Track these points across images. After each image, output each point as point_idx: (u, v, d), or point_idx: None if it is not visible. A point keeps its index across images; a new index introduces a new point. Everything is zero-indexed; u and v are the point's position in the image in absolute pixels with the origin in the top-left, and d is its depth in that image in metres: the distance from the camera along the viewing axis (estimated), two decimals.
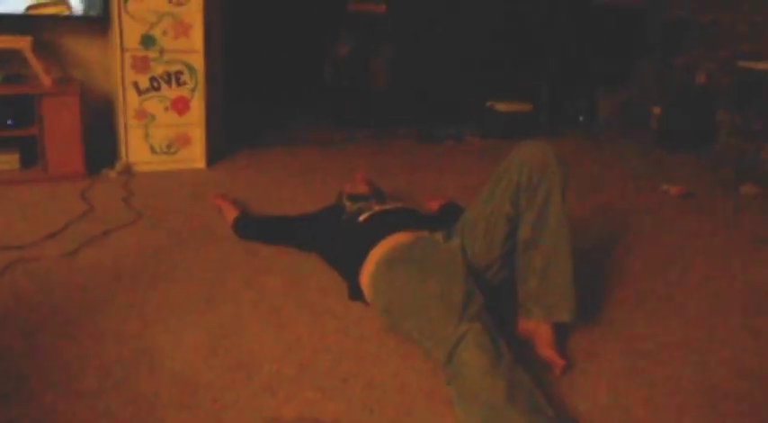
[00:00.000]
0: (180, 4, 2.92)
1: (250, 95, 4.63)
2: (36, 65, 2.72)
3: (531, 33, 4.61)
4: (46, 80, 2.74)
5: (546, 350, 1.64)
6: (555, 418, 1.32)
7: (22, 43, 2.68)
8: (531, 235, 1.69)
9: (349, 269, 1.91)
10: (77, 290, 1.85)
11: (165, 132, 3.06)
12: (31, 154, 2.83)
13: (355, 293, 1.88)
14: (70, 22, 2.89)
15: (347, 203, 2.18)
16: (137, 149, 3.02)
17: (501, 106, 4.39)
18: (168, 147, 3.08)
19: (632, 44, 4.93)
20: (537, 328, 1.69)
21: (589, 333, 1.82)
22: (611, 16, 4.80)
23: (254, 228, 2.32)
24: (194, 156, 3.15)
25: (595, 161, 3.98)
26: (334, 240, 2.07)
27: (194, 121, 3.10)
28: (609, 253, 2.46)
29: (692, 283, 2.24)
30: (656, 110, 4.67)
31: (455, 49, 4.43)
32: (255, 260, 2.15)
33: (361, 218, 2.02)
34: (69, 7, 2.81)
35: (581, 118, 4.93)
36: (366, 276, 1.80)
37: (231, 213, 2.39)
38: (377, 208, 2.07)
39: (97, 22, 2.94)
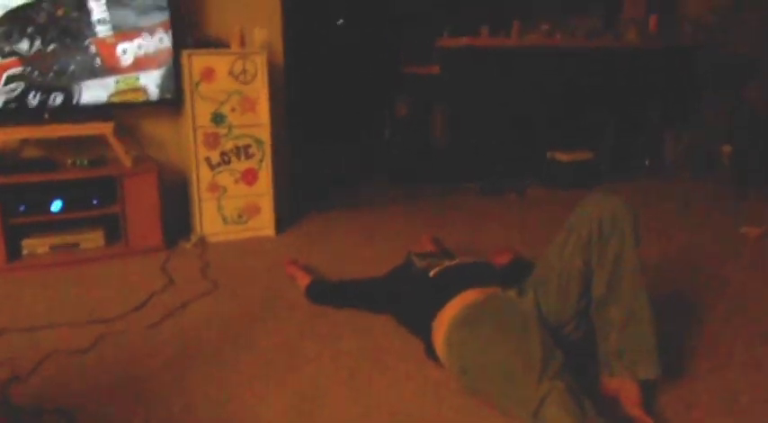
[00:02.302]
0: (246, 82, 3.10)
1: (314, 161, 4.78)
2: (118, 148, 2.91)
3: (588, 81, 4.61)
4: (127, 161, 2.92)
5: (633, 410, 1.58)
6: None
7: (106, 129, 2.89)
8: (606, 289, 1.66)
9: (422, 326, 1.90)
10: (163, 361, 1.92)
11: (235, 203, 3.19)
12: (114, 230, 3.00)
13: (431, 351, 1.87)
14: (146, 105, 3.09)
15: (416, 260, 2.20)
16: (210, 221, 3.15)
17: (562, 156, 4.37)
18: (239, 217, 3.20)
19: (694, 83, 4.86)
20: (622, 386, 1.63)
21: (678, 388, 1.74)
22: (668, 57, 4.77)
23: (326, 293, 2.36)
24: (264, 224, 3.26)
25: (666, 206, 3.88)
26: (406, 298, 2.08)
27: (263, 191, 3.22)
28: (690, 301, 2.37)
29: None
30: (727, 148, 4.54)
31: (512, 102, 4.47)
32: (329, 324, 2.18)
33: (432, 273, 2.03)
34: (146, 92, 3.01)
35: (647, 162, 4.83)
36: (439, 337, 1.80)
37: (303, 280, 2.45)
38: (447, 263, 2.08)
39: (171, 104, 3.14)
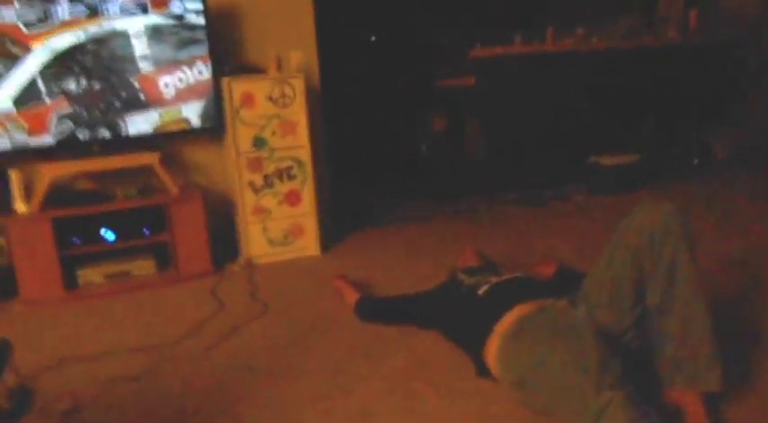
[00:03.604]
0: (285, 106, 3.15)
1: (354, 180, 4.81)
2: (165, 177, 2.99)
3: (630, 83, 4.52)
4: (174, 189, 3.00)
5: (698, 422, 1.53)
6: None
7: (153, 159, 2.97)
8: (661, 299, 1.61)
9: (474, 344, 1.89)
10: (217, 387, 1.95)
11: (280, 225, 3.23)
12: (164, 257, 3.07)
13: (482, 370, 1.85)
14: (190, 134, 3.17)
15: (463, 277, 2.18)
16: (256, 243, 3.20)
17: (606, 160, 4.29)
18: (284, 238, 3.24)
19: (740, 80, 4.72)
20: (685, 398, 1.58)
21: (745, 400, 1.67)
22: (711, 54, 4.65)
23: (374, 310, 2.37)
24: (309, 244, 3.29)
25: (718, 207, 3.76)
26: (456, 316, 2.06)
27: (306, 212, 3.26)
28: (752, 306, 2.28)
29: None
30: None
31: (551, 109, 4.42)
32: (380, 343, 2.18)
33: (481, 291, 2.01)
34: (189, 122, 3.09)
35: (696, 161, 4.70)
36: (492, 352, 1.78)
37: (352, 296, 2.46)
38: (494, 279, 2.06)
39: (213, 131, 3.21)
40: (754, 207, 3.69)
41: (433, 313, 2.17)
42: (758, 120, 4.65)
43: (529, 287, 2.02)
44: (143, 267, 3.02)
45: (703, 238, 1.65)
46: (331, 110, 3.83)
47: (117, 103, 2.93)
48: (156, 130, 3.03)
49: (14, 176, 2.82)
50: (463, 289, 2.09)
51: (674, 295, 1.60)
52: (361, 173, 5.01)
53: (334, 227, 3.61)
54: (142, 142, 3.03)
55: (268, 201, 3.19)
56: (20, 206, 2.82)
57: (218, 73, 3.09)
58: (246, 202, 3.16)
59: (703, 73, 4.65)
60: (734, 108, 4.74)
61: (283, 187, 3.21)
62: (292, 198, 3.23)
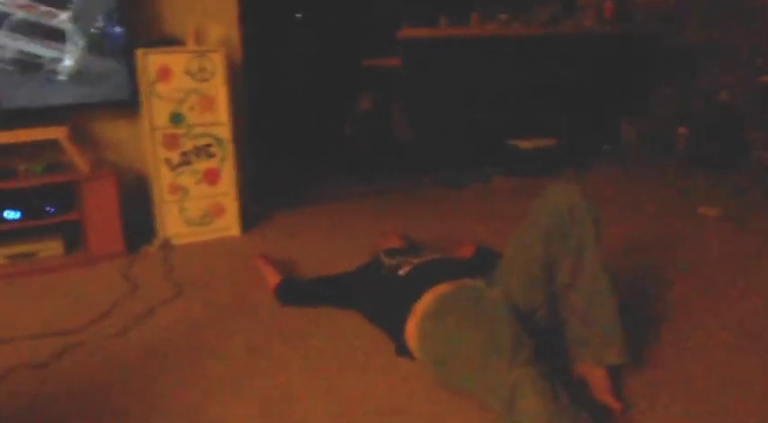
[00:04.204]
0: (204, 80, 3.04)
1: (277, 158, 4.73)
2: (73, 152, 2.83)
3: (548, 69, 4.65)
4: (83, 166, 2.84)
5: (601, 394, 1.61)
6: None
7: (59, 133, 2.80)
8: (570, 279, 1.68)
9: (394, 325, 1.91)
10: (129, 370, 1.89)
11: (198, 204, 3.13)
12: (73, 238, 2.92)
13: (402, 349, 1.88)
14: (101, 107, 3.01)
15: (385, 259, 2.19)
16: (172, 223, 3.09)
17: (523, 144, 4.41)
18: (203, 218, 3.15)
19: (650, 70, 4.95)
20: (590, 372, 1.66)
21: (642, 372, 1.78)
22: (625, 44, 4.84)
23: (294, 292, 2.34)
24: (228, 224, 3.21)
25: (625, 189, 3.95)
26: (376, 297, 2.08)
27: (226, 191, 3.18)
28: (653, 285, 2.42)
29: (746, 312, 2.18)
30: (682, 130, 4.64)
31: (473, 93, 4.48)
32: (299, 323, 2.17)
33: (401, 272, 2.03)
34: (99, 95, 2.92)
35: (605, 147, 4.91)
36: (412, 331, 1.80)
37: (273, 279, 2.42)
38: (415, 261, 2.08)
39: (127, 105, 3.06)
40: (653, 193, 3.90)
41: (354, 294, 2.18)
42: (663, 110, 4.90)
43: (449, 268, 2.05)
44: (50, 248, 2.86)
45: (606, 222, 1.72)
46: (255, 87, 3.73)
47: (22, 72, 2.74)
48: (63, 101, 2.85)
49: None
50: (384, 270, 2.11)
51: (581, 274, 1.67)
52: (285, 151, 4.93)
53: (255, 206, 3.55)
54: (49, 115, 2.85)
55: (185, 179, 3.09)
56: None
57: (132, 43, 2.93)
58: (162, 180, 3.04)
59: (616, 61, 4.84)
60: (643, 97, 4.97)
61: (201, 165, 3.11)
62: (211, 177, 3.14)
